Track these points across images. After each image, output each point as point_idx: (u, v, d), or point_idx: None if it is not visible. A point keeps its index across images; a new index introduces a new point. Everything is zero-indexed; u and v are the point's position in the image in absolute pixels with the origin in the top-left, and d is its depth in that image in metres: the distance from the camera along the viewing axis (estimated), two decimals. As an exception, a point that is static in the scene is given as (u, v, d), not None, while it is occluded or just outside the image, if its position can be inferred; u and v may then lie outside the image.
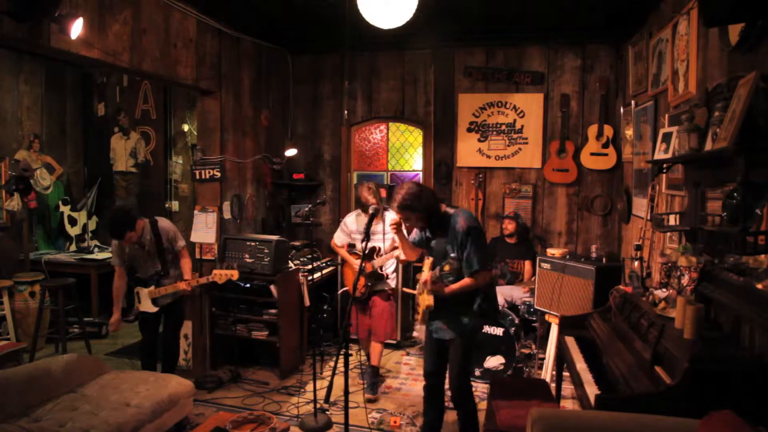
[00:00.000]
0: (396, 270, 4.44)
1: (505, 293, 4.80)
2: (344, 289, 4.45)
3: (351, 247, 4.43)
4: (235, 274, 3.85)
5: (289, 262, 4.70)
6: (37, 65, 5.88)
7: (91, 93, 6.55)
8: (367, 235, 3.15)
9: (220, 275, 3.83)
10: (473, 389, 3.18)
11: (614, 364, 2.58)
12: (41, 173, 5.93)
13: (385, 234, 4.17)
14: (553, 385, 3.56)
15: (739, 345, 2.19)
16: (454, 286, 2.93)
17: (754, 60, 2.38)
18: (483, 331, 4.33)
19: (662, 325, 2.37)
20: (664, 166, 3.28)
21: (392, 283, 4.33)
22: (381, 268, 4.20)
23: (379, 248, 4.19)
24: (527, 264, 4.99)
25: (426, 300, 2.96)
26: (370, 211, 3.28)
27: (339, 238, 4.43)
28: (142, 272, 3.86)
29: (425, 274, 2.99)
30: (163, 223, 3.90)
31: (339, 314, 5.42)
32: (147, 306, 3.81)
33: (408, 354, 5.08)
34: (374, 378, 4.22)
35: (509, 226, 4.98)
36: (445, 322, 3.01)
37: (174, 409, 3.21)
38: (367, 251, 3.93)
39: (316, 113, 5.93)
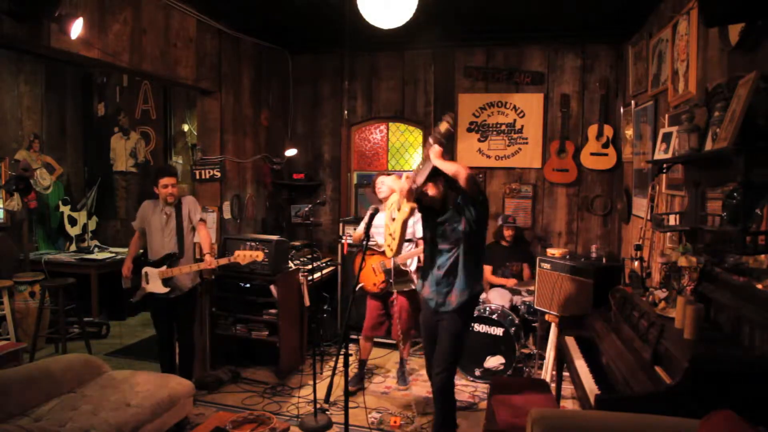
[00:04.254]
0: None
1: (504, 295, 4.80)
2: (360, 285, 4.23)
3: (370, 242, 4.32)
4: (260, 255, 3.78)
5: (289, 262, 4.70)
6: (37, 65, 5.88)
7: (91, 93, 6.56)
8: (366, 236, 3.16)
9: (244, 256, 3.74)
10: (473, 389, 3.19)
11: (614, 364, 2.58)
12: (41, 173, 5.93)
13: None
14: (553, 385, 3.56)
15: (739, 345, 2.19)
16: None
17: (754, 60, 2.38)
18: (483, 331, 4.34)
19: (662, 325, 2.37)
20: (664, 166, 3.28)
21: (413, 268, 4.21)
22: (404, 264, 4.11)
23: (367, 242, 4.09)
24: (525, 267, 4.96)
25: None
26: (370, 211, 3.28)
27: (361, 228, 4.36)
28: (155, 247, 3.83)
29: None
30: (187, 197, 3.98)
31: (339, 314, 5.42)
32: (156, 287, 3.73)
33: (408, 354, 5.07)
34: (402, 369, 4.39)
35: (508, 232, 4.95)
36: None
37: (174, 409, 3.21)
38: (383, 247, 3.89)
39: (316, 113, 5.93)
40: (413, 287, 4.18)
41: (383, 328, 4.31)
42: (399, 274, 4.13)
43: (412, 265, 4.21)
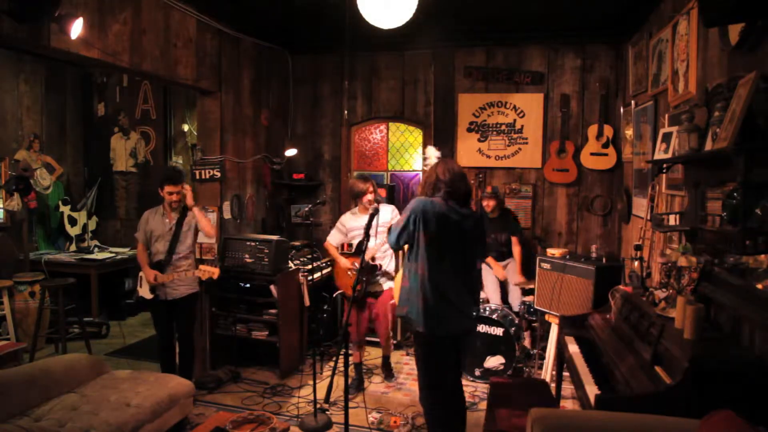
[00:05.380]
0: (396, 258, 4.35)
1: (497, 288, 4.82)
2: (339, 291, 4.33)
3: (349, 247, 4.38)
4: (215, 273, 3.85)
5: (289, 262, 4.70)
6: (37, 65, 5.88)
7: (91, 93, 6.56)
8: (367, 235, 3.17)
9: (203, 272, 3.84)
10: (473, 389, 3.17)
11: (614, 364, 2.58)
12: (41, 173, 5.93)
13: (378, 228, 4.11)
14: (553, 385, 3.56)
15: (739, 345, 2.19)
16: None
17: (754, 60, 2.38)
18: (483, 331, 4.34)
19: (662, 325, 2.37)
20: (664, 166, 3.28)
21: (391, 268, 4.25)
22: (373, 259, 4.10)
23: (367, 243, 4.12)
24: (514, 241, 4.88)
25: None
26: (370, 211, 3.29)
27: (334, 238, 4.33)
28: (153, 253, 3.89)
29: None
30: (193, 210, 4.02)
31: (339, 314, 5.42)
32: (144, 292, 3.86)
33: (408, 354, 5.08)
34: (388, 366, 4.50)
35: (490, 203, 4.84)
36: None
37: (174, 409, 3.21)
38: (355, 248, 3.93)
39: (316, 113, 5.93)
40: (385, 287, 4.22)
41: (367, 328, 4.34)
42: (369, 269, 4.10)
43: (385, 261, 4.21)
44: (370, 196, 4.09)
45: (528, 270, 4.94)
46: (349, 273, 4.24)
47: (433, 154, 3.55)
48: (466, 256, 2.90)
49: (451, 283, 2.85)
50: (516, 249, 4.92)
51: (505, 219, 4.99)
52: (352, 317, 4.18)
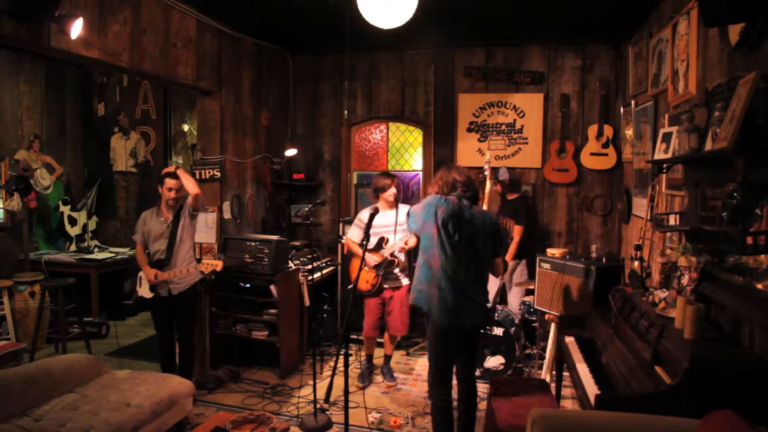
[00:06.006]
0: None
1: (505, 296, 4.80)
2: (351, 285, 4.35)
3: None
4: (219, 265, 3.85)
5: (289, 262, 4.70)
6: (37, 65, 5.88)
7: (91, 93, 6.56)
8: (366, 235, 3.21)
9: (206, 265, 3.85)
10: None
11: (614, 364, 2.58)
12: (41, 173, 5.93)
13: (398, 225, 4.16)
14: (553, 385, 3.56)
15: (739, 345, 2.19)
16: None
17: (754, 60, 2.38)
18: (483, 331, 4.33)
19: (662, 325, 2.37)
20: (664, 166, 3.28)
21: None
22: (392, 255, 4.17)
23: (387, 239, 4.18)
24: (516, 230, 4.75)
25: None
26: (370, 211, 3.31)
27: (354, 234, 4.34)
28: (151, 253, 3.88)
29: None
30: (185, 202, 4.01)
31: (339, 314, 5.42)
32: (144, 291, 3.85)
33: (408, 354, 5.07)
34: (388, 366, 4.47)
35: (497, 187, 4.81)
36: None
37: (174, 408, 3.21)
38: (374, 244, 3.99)
39: (316, 113, 5.93)
40: (404, 283, 4.25)
41: (379, 324, 4.35)
42: (387, 265, 4.18)
43: (402, 256, 4.26)
44: (394, 190, 4.16)
45: (529, 271, 4.93)
46: (365, 269, 4.23)
47: (487, 156, 3.77)
48: (478, 251, 3.04)
49: (464, 277, 3.00)
50: (515, 238, 4.74)
51: (517, 204, 4.86)
52: (366, 310, 4.29)
